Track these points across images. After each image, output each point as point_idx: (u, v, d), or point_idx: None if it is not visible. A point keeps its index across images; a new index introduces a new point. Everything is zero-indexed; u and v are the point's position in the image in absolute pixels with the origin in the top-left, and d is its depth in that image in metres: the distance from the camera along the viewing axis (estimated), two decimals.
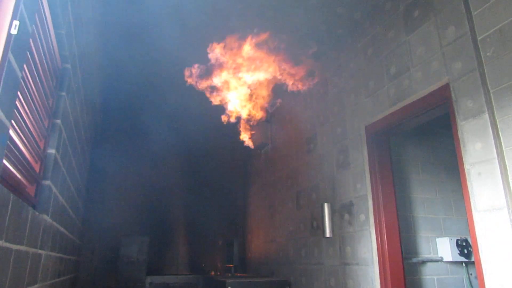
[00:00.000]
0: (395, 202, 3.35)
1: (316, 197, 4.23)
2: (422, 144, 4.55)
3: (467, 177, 2.43)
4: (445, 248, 4.08)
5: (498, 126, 2.28)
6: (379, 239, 3.20)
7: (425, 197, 4.36)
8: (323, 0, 3.44)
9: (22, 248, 1.66)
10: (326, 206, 3.88)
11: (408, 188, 4.32)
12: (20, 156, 1.61)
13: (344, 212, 3.67)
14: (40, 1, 1.55)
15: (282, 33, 3.62)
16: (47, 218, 2.21)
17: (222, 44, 3.71)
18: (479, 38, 2.48)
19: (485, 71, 2.41)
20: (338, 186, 3.83)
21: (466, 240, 4.13)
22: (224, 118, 4.55)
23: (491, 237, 2.22)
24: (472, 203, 2.37)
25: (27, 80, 1.57)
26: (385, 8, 3.41)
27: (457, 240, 4.11)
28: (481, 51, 2.46)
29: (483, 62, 2.43)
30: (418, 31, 3.00)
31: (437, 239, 4.19)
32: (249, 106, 4.57)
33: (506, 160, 2.21)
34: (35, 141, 1.88)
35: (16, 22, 1.07)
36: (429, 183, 4.42)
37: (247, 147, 5.67)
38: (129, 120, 6.00)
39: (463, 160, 2.47)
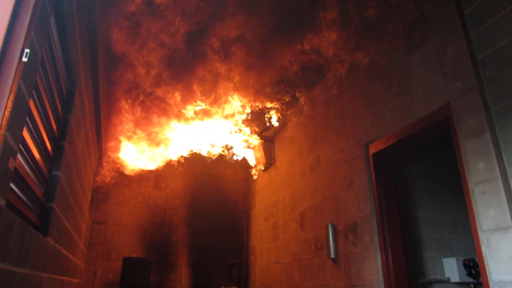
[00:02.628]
0: (400, 222, 3.32)
1: (320, 217, 4.20)
2: (426, 161, 4.53)
3: (471, 196, 2.41)
4: (452, 269, 4.01)
5: (500, 145, 2.28)
6: (385, 260, 3.16)
7: (430, 216, 4.31)
8: (324, 22, 3.51)
9: (25, 271, 1.65)
10: (330, 226, 3.85)
11: (412, 207, 4.28)
12: (25, 179, 1.63)
13: (349, 233, 3.64)
14: (49, 28, 1.60)
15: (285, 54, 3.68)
16: (50, 240, 2.20)
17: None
18: (478, 58, 2.52)
19: (485, 90, 2.44)
20: (342, 206, 3.81)
21: (473, 260, 4.05)
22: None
23: (499, 258, 2.19)
24: (477, 223, 2.35)
25: (34, 104, 1.60)
26: (385, 28, 3.48)
27: (464, 260, 4.04)
28: (480, 71, 2.49)
29: (483, 82, 2.46)
30: (418, 51, 3.05)
31: (443, 259, 4.12)
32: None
33: (510, 179, 2.21)
34: (41, 163, 1.90)
35: (27, 50, 1.10)
36: (434, 201, 4.38)
37: (250, 167, 5.68)
38: None
39: (467, 179, 2.46)
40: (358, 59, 3.73)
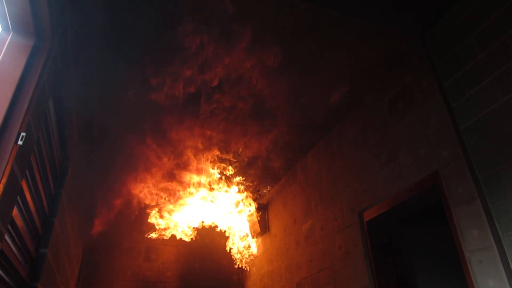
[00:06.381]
0: None
1: None
2: (422, 228, 4.45)
3: (469, 266, 2.36)
4: None
5: (492, 212, 2.29)
6: None
7: (431, 285, 4.13)
8: (314, 96, 3.67)
9: None
10: None
11: (411, 275, 4.12)
12: (10, 259, 1.58)
13: None
14: (47, 109, 1.67)
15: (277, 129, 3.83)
16: None
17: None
18: (461, 128, 2.62)
19: (471, 158, 2.50)
20: (339, 277, 3.67)
21: None
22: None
23: None
24: None
25: (26, 183, 1.61)
26: (370, 100, 3.64)
27: None
28: (464, 140, 2.57)
29: (468, 150, 2.53)
30: (403, 121, 3.16)
31: None
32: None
33: (505, 247, 2.18)
34: (28, 241, 1.85)
35: (23, 134, 1.15)
36: (432, 268, 4.24)
37: (243, 236, 5.55)
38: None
39: (463, 247, 2.42)
40: (346, 129, 3.85)
